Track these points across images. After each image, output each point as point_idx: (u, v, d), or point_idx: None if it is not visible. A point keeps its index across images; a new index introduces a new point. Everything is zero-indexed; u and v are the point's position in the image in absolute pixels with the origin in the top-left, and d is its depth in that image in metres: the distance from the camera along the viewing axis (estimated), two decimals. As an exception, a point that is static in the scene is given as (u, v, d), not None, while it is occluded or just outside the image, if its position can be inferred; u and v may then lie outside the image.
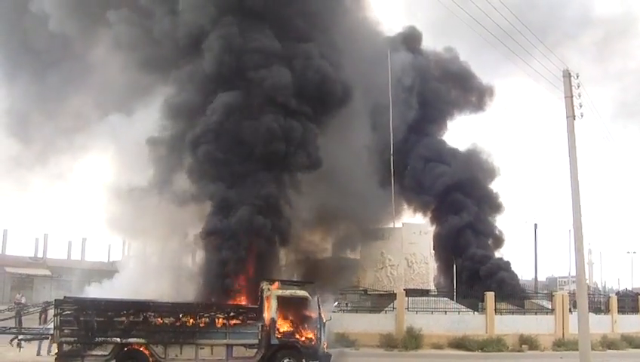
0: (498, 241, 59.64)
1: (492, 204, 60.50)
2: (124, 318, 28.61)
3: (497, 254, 57.90)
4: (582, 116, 33.05)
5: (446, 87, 63.58)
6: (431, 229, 49.23)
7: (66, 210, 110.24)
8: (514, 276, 54.53)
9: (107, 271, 44.21)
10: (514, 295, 49.57)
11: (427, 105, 59.73)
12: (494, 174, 61.14)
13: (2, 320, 32.17)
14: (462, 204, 56.90)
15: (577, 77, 34.05)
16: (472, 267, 53.29)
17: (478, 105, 66.04)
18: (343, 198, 38.14)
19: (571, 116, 32.12)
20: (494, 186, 61.07)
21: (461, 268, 52.26)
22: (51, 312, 31.06)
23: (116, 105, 38.16)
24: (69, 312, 28.33)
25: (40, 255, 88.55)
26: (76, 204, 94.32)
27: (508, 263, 55.21)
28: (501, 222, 62.35)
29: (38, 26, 38.90)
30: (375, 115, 43.57)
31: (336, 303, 40.80)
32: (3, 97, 43.44)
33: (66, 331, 28.08)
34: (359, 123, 40.08)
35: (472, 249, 54.77)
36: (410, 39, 63.73)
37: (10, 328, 31.46)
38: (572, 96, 32.60)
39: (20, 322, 34.17)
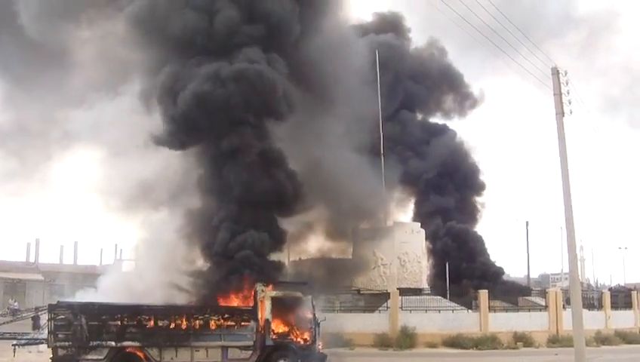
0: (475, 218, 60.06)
1: (474, 186, 60.76)
2: (118, 322, 28.61)
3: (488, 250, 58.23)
4: (571, 113, 33.13)
5: (427, 86, 63.21)
6: (422, 230, 49.00)
7: (57, 214, 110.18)
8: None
9: (100, 275, 44.03)
10: (508, 292, 49.71)
11: (408, 98, 60.25)
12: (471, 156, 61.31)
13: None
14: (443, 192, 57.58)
15: (566, 74, 34.16)
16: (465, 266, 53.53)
17: (460, 111, 66.12)
18: (334, 198, 38.23)
19: (560, 113, 32.22)
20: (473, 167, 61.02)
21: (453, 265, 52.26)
22: (44, 317, 31.01)
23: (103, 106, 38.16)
24: (62, 317, 28.31)
25: (32, 259, 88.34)
26: (67, 208, 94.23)
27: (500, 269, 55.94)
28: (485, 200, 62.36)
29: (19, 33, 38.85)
30: (352, 103, 43.16)
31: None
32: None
33: (60, 336, 28.07)
34: (336, 118, 39.81)
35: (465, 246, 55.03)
36: (393, 25, 64.34)
37: (3, 333, 31.46)
38: (561, 94, 32.70)
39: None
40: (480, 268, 53.66)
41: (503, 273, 56.88)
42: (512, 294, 50.14)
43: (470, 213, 60.15)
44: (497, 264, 56.82)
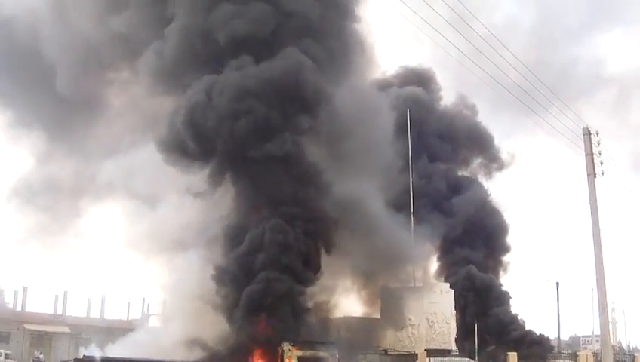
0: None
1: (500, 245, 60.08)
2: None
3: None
4: (603, 174, 33.07)
5: (453, 146, 62.75)
6: (451, 290, 48.42)
7: (85, 268, 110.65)
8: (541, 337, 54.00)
9: (126, 329, 44.03)
10: (537, 355, 48.86)
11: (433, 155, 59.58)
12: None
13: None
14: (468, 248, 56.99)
15: (597, 134, 34.09)
16: (492, 325, 52.68)
17: (487, 173, 65.64)
18: (367, 245, 38.17)
19: (592, 174, 32.23)
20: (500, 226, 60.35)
21: (482, 326, 51.50)
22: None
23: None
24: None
25: (59, 312, 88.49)
26: (96, 261, 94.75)
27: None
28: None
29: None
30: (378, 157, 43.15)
31: None
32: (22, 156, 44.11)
33: (84, 390, 28.07)
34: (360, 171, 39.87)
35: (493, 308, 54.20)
36: (423, 80, 64.14)
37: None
38: (592, 154, 32.64)
39: None
40: (506, 327, 52.77)
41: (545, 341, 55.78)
42: (542, 357, 49.31)
43: (494, 270, 59.37)
44: (522, 320, 55.98)
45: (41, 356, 64.69)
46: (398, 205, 45.72)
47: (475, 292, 53.37)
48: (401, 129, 47.42)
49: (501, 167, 64.89)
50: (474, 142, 63.81)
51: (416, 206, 48.74)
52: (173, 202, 36.98)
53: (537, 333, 53.58)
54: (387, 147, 41.88)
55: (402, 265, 46.68)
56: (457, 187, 59.73)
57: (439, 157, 60.00)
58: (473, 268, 54.96)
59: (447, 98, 65.77)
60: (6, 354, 65.90)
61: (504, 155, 64.99)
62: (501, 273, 60.03)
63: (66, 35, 39.57)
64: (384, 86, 57.44)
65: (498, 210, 60.16)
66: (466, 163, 64.68)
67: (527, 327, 54.66)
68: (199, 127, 33.47)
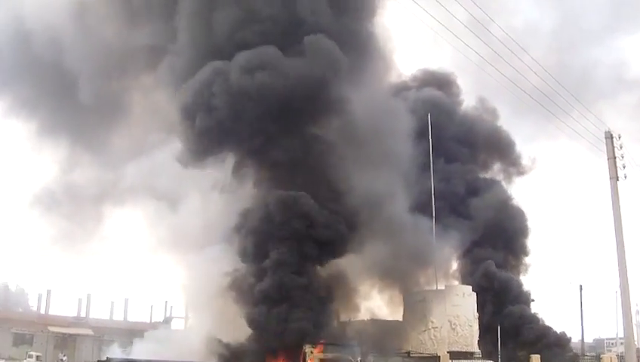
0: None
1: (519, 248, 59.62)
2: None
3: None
4: (625, 177, 32.86)
5: (473, 150, 62.41)
6: (474, 293, 48.15)
7: (108, 271, 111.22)
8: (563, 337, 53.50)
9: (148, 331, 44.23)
10: (560, 358, 48.55)
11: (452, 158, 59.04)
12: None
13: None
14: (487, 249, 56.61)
15: (619, 138, 33.89)
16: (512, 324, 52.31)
17: (507, 178, 65.13)
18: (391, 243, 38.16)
19: (614, 177, 32.04)
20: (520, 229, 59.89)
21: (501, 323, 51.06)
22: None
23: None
24: (110, 373, 28.46)
25: (83, 314, 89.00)
26: (119, 264, 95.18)
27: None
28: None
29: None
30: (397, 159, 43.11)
31: None
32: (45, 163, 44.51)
33: (107, 392, 28.21)
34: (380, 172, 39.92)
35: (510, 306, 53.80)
36: (443, 83, 63.94)
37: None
38: (615, 158, 32.46)
39: None
40: (524, 325, 52.40)
41: (565, 341, 55.16)
42: (566, 359, 49.02)
43: (514, 271, 58.92)
44: (541, 318, 55.56)
45: (65, 358, 65.08)
46: (418, 207, 45.55)
47: (493, 291, 52.94)
48: (419, 132, 47.29)
49: (522, 172, 64.43)
50: (494, 147, 63.31)
51: (436, 208, 48.57)
52: (195, 201, 37.11)
53: (556, 331, 53.02)
54: (406, 149, 41.83)
55: (424, 267, 46.61)
56: (476, 189, 59.36)
57: (458, 161, 59.65)
58: (492, 265, 54.58)
59: (467, 102, 65.42)
60: (37, 357, 66.32)
61: (525, 160, 64.40)
62: (522, 274, 59.62)
63: (88, 44, 40.13)
64: (403, 89, 57.31)
65: (519, 212, 59.64)
66: (485, 167, 64.17)
67: (547, 325, 54.26)
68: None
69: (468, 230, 54.00)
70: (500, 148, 63.28)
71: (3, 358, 67.85)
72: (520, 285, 56.60)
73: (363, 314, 41.13)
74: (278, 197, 33.75)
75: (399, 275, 43.41)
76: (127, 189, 41.30)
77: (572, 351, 53.08)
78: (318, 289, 34.00)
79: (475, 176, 61.34)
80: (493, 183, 61.68)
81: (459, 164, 59.48)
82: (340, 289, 36.57)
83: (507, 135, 63.60)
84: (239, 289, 33.92)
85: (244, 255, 34.28)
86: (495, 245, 56.67)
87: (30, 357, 66.06)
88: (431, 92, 60.45)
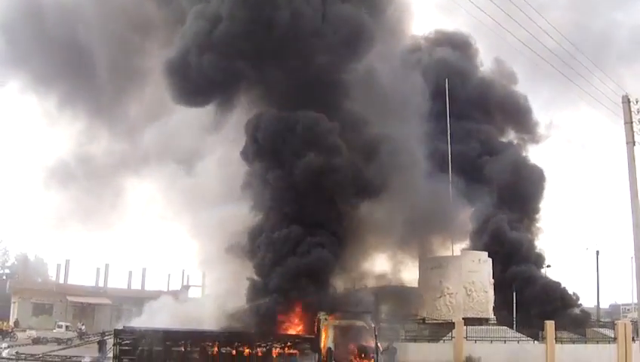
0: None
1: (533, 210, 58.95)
2: (181, 348, 28.74)
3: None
4: (643, 142, 32.64)
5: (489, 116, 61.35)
6: (489, 259, 47.91)
7: (126, 240, 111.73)
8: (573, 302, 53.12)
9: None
10: (575, 324, 48.41)
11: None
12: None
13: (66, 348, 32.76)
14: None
15: (637, 102, 33.60)
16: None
17: (523, 145, 63.95)
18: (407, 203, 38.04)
19: (631, 142, 31.75)
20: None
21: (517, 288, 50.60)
22: (110, 341, 31.37)
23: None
24: (127, 342, 28.57)
25: (101, 284, 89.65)
26: (136, 234, 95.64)
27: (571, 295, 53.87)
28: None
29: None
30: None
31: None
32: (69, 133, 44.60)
33: (124, 360, 28.31)
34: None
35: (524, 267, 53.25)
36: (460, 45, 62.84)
37: (71, 357, 32.04)
38: (632, 122, 32.21)
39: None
40: (548, 294, 51.97)
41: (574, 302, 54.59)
42: (580, 325, 48.86)
43: (528, 231, 58.28)
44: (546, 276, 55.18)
45: (83, 327, 65.58)
46: (432, 168, 45.10)
47: (503, 251, 52.04)
48: (434, 92, 46.94)
49: (537, 140, 63.51)
50: (509, 113, 62.25)
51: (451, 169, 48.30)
52: (211, 163, 37.16)
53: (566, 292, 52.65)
54: (423, 105, 41.58)
55: (440, 231, 46.53)
56: (492, 149, 58.54)
57: (473, 122, 58.77)
58: (503, 220, 53.96)
59: (483, 66, 64.49)
60: (66, 326, 66.95)
61: (541, 128, 63.56)
62: (536, 237, 59.00)
63: (102, 14, 39.83)
64: (417, 49, 56.70)
65: (536, 172, 58.78)
66: (501, 131, 63.28)
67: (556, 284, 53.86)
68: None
69: (483, 192, 53.39)
70: (516, 114, 62.40)
71: (23, 328, 68.51)
72: (532, 245, 56.06)
73: (378, 281, 41.12)
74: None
75: (415, 239, 43.29)
76: (143, 156, 41.43)
77: (582, 312, 52.62)
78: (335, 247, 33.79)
79: (491, 136, 60.36)
80: (509, 145, 60.96)
81: (474, 124, 58.63)
82: (356, 252, 36.38)
83: (524, 100, 62.65)
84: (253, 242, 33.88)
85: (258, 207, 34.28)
86: (511, 207, 55.96)
87: (60, 326, 66.62)
88: (446, 52, 59.85)
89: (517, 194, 55.35)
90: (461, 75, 57.92)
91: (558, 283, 52.55)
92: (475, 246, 50.24)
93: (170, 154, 40.01)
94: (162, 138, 40.13)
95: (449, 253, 47.74)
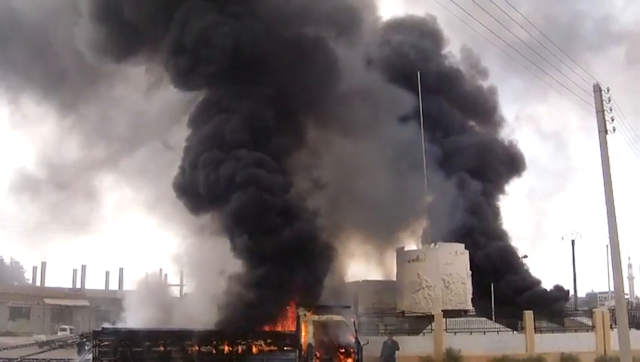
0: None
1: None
2: (161, 347, 28.74)
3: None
4: (614, 130, 32.88)
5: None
6: (466, 251, 48.05)
7: (103, 241, 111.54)
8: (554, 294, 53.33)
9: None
10: (553, 313, 48.69)
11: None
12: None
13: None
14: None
15: (608, 91, 33.85)
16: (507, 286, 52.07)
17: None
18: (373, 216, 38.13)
19: (603, 131, 31.98)
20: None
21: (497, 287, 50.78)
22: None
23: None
24: (107, 343, 28.53)
25: (78, 286, 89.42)
26: (113, 234, 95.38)
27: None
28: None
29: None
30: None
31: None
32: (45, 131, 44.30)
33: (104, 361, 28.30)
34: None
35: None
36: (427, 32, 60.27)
37: (50, 360, 31.95)
38: (604, 111, 32.45)
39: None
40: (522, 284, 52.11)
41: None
42: (559, 315, 49.18)
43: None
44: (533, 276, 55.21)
45: (72, 327, 65.71)
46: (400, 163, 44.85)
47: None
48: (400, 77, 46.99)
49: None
50: (473, 109, 61.53)
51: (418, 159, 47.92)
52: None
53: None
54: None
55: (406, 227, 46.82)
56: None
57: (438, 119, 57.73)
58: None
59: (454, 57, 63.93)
60: (70, 329, 66.69)
61: (509, 122, 62.93)
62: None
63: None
64: (383, 34, 56.15)
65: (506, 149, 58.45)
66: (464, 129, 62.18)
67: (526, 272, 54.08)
68: None
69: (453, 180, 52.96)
70: (482, 111, 61.68)
71: (1, 333, 68.17)
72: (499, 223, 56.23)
73: (356, 277, 41.26)
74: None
75: (387, 234, 43.50)
76: (115, 153, 41.22)
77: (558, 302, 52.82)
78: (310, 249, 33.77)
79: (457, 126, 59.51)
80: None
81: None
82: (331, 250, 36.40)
83: (491, 94, 62.05)
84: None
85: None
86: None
87: (64, 330, 66.30)
88: (413, 39, 58.68)
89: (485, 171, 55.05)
90: (428, 63, 56.29)
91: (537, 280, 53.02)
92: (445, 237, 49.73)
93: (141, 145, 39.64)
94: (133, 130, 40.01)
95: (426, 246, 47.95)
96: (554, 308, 49.75)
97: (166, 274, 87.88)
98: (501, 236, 55.05)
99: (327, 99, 36.30)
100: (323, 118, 37.05)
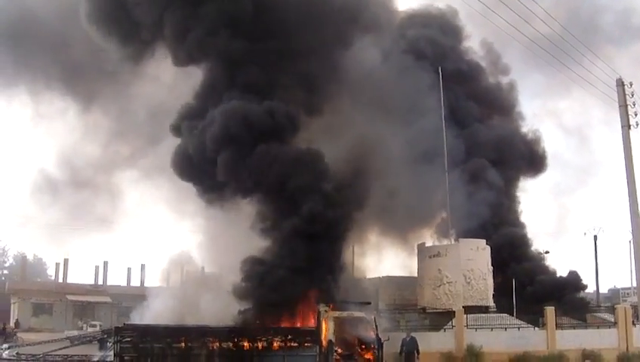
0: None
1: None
2: (182, 344, 28.78)
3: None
4: (637, 125, 32.65)
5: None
6: (487, 246, 47.81)
7: (125, 238, 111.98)
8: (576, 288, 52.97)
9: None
10: (575, 309, 48.37)
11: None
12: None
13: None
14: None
15: (631, 85, 33.64)
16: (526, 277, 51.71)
17: None
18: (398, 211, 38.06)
19: (626, 125, 31.83)
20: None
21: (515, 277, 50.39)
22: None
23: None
24: (128, 339, 28.60)
25: (100, 282, 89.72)
26: (135, 231, 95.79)
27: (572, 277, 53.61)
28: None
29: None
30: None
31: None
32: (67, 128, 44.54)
33: (125, 358, 28.35)
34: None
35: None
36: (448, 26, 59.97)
37: (72, 356, 32.13)
38: (627, 105, 32.27)
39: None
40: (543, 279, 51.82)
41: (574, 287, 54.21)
42: (580, 311, 48.87)
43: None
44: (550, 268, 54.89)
45: (84, 325, 65.84)
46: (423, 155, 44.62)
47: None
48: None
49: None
50: (493, 105, 61.00)
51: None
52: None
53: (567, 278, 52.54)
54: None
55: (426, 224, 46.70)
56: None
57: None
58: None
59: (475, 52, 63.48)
60: (100, 325, 66.94)
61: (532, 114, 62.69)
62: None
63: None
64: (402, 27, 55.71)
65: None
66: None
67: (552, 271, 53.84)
68: None
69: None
70: (500, 106, 61.24)
71: (23, 329, 68.55)
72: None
73: (377, 272, 41.19)
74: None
75: (409, 230, 43.42)
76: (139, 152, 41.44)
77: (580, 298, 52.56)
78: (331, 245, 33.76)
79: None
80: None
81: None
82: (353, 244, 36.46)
83: (511, 90, 61.67)
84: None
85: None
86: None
87: (93, 326, 66.55)
88: (434, 32, 58.47)
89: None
90: (445, 59, 54.92)
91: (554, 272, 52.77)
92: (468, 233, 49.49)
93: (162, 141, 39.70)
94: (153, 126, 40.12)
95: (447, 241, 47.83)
96: (569, 298, 49.51)
97: (187, 271, 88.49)
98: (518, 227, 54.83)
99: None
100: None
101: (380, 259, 43.60)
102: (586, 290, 60.10)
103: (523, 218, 56.58)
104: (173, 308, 35.25)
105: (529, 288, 49.78)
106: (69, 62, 40.51)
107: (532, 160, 57.56)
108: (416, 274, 47.27)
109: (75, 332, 56.47)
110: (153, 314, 35.80)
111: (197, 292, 36.43)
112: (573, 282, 52.07)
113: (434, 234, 49.94)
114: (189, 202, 37.91)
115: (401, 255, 47.02)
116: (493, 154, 53.21)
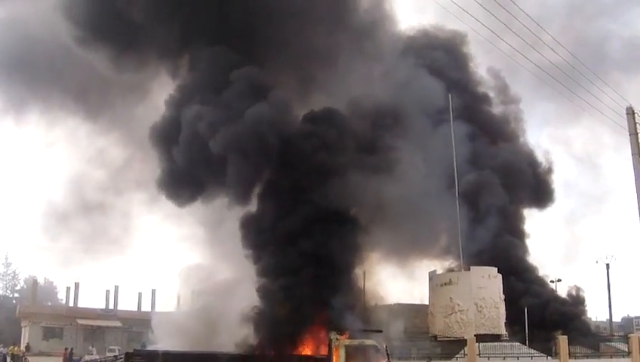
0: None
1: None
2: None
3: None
4: (648, 153, 32.66)
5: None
6: (499, 274, 47.67)
7: (135, 263, 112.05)
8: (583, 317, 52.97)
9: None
10: (588, 338, 48.21)
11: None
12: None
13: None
14: None
15: (641, 113, 33.70)
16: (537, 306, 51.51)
17: None
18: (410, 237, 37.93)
19: (637, 154, 31.79)
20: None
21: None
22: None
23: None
24: (139, 365, 28.68)
25: (111, 307, 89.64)
26: (146, 256, 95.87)
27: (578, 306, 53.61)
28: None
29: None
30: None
31: None
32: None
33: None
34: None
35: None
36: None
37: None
38: (637, 133, 32.27)
39: None
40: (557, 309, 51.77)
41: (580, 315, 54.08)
42: (593, 339, 48.70)
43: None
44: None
45: (94, 350, 65.79)
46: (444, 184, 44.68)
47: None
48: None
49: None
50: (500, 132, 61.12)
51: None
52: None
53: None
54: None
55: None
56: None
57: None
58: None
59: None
60: (118, 349, 66.78)
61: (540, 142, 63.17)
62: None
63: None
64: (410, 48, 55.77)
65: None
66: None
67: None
68: None
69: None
70: (506, 135, 61.34)
71: (34, 353, 68.55)
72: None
73: (388, 300, 40.99)
74: None
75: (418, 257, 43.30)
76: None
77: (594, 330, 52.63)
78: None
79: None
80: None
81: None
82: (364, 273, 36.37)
83: (518, 121, 61.88)
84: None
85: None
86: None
87: (112, 351, 66.40)
88: (439, 56, 58.74)
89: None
90: (456, 86, 56.19)
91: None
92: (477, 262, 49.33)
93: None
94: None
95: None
96: (579, 325, 49.41)
97: (198, 296, 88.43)
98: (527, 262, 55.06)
99: None
100: None
101: (390, 286, 43.42)
102: (599, 319, 60.03)
103: (533, 246, 56.74)
104: (187, 331, 35.19)
105: (539, 316, 49.69)
106: (75, 86, 40.65)
107: (540, 191, 57.92)
108: (427, 302, 47.18)
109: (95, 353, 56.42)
110: (166, 338, 35.76)
111: (209, 307, 36.33)
112: (581, 308, 52.13)
113: (434, 258, 49.68)
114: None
115: (410, 282, 46.74)
116: (502, 181, 53.52)
